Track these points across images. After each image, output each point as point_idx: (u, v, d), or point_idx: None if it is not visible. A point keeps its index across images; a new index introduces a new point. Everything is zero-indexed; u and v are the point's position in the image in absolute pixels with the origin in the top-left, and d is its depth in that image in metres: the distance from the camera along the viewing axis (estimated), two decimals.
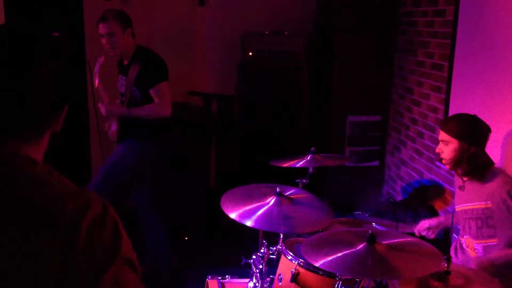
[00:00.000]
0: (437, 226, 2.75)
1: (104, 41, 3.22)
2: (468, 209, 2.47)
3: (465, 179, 2.50)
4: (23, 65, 1.03)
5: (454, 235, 2.89)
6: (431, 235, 2.73)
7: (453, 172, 2.71)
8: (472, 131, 2.41)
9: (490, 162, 2.45)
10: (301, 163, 2.66)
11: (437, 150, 2.54)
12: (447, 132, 2.44)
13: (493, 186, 2.37)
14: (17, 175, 1.01)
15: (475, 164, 2.41)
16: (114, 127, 3.32)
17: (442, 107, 3.57)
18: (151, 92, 3.20)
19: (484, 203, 2.38)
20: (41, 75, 1.04)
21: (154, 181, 3.51)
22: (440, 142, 2.50)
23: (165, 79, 3.26)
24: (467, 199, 2.48)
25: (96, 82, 3.11)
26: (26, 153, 1.04)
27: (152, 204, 3.52)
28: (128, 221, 3.99)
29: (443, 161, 2.53)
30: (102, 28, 3.21)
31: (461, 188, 2.54)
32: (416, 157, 3.99)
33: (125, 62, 3.34)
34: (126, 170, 3.36)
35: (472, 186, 2.47)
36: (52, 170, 1.05)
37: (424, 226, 2.75)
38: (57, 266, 0.94)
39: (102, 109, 3.26)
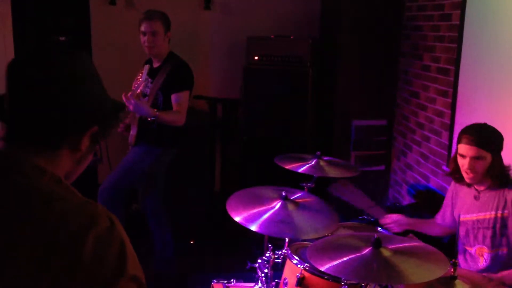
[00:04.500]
0: (408, 225, 2.75)
1: (145, 38, 3.28)
2: (484, 219, 2.40)
3: (481, 189, 2.43)
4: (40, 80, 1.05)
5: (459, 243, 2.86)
6: (396, 229, 2.72)
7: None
8: (496, 141, 2.35)
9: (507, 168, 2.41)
10: (305, 167, 2.65)
11: (468, 169, 2.35)
12: (483, 147, 2.30)
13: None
14: (23, 184, 0.99)
15: (503, 172, 2.36)
16: (133, 131, 3.34)
17: (448, 111, 3.56)
18: (173, 97, 3.24)
19: (501, 212, 2.33)
20: (57, 92, 1.05)
21: (165, 185, 3.52)
22: (470, 159, 2.33)
23: (189, 88, 3.32)
24: (480, 209, 2.42)
25: (140, 89, 3.11)
26: (36, 162, 1.03)
27: (163, 207, 3.53)
28: (135, 224, 3.99)
29: (471, 177, 2.37)
30: (146, 26, 3.27)
31: (476, 198, 2.46)
32: (422, 161, 3.98)
33: (155, 65, 3.37)
34: (140, 173, 3.38)
35: (486, 196, 2.41)
36: (60, 181, 1.04)
37: (397, 220, 2.75)
38: (60, 282, 0.93)
39: (131, 105, 3.01)
